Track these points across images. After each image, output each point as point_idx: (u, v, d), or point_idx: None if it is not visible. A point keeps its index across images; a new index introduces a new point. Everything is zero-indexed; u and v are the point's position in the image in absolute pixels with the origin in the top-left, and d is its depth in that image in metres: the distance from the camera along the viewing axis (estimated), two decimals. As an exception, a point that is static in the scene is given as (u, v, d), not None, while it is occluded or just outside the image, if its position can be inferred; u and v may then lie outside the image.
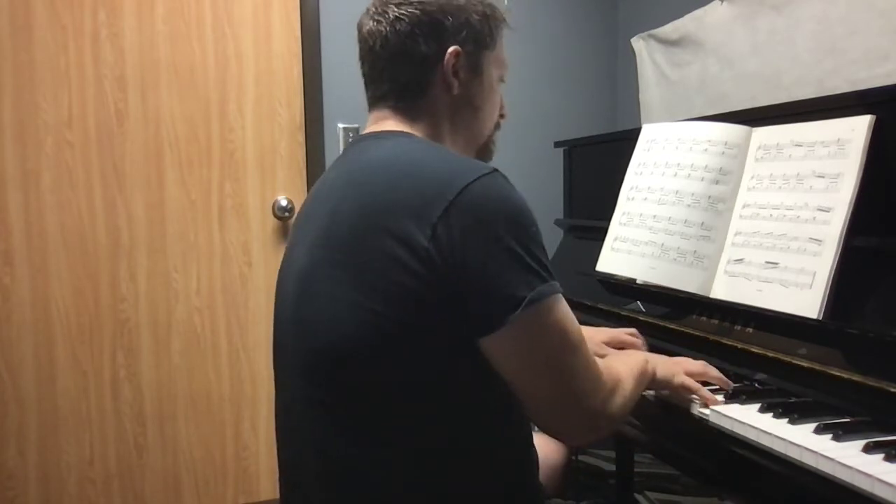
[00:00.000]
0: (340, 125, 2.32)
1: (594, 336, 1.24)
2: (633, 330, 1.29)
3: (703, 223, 1.28)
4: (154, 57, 2.12)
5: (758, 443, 0.90)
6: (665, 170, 1.40)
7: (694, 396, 1.03)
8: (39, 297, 2.05)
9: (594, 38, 2.69)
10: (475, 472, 0.86)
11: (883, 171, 1.04)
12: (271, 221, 2.26)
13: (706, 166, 1.30)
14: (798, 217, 1.10)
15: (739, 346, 1.14)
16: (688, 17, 2.19)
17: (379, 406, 0.83)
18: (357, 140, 0.97)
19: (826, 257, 1.03)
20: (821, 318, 1.01)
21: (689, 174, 1.33)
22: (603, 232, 1.52)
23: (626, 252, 1.44)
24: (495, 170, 0.84)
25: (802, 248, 1.07)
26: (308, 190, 2.27)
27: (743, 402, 1.00)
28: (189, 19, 2.15)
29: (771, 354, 1.08)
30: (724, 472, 1.02)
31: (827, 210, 1.06)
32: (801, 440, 0.85)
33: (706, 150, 1.32)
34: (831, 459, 0.79)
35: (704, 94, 2.14)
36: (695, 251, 1.28)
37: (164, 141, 2.15)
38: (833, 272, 1.02)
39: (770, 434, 0.88)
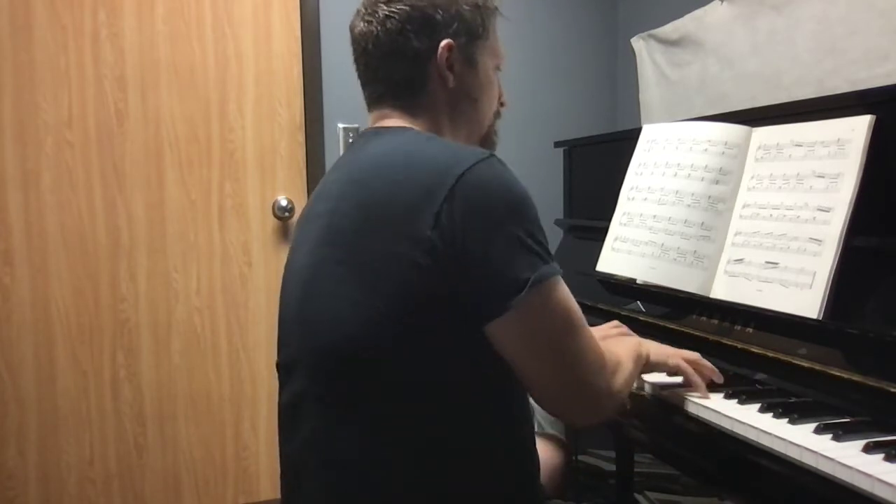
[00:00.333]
0: (340, 125, 2.32)
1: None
2: (615, 322, 1.28)
3: (703, 223, 1.28)
4: (154, 57, 2.12)
5: (758, 443, 0.90)
6: (665, 170, 1.40)
7: (692, 398, 1.03)
8: (39, 297, 2.05)
9: (594, 38, 2.69)
10: (476, 473, 0.86)
11: (883, 171, 1.04)
12: (271, 221, 2.26)
13: (706, 166, 1.30)
14: (798, 217, 1.10)
15: (739, 346, 1.14)
16: (688, 17, 2.19)
17: (380, 405, 0.83)
18: (357, 138, 0.98)
19: (826, 257, 1.03)
20: (821, 318, 1.01)
21: (689, 174, 1.33)
22: (603, 232, 1.52)
23: (626, 252, 1.44)
24: (492, 154, 0.84)
25: (802, 248, 1.07)
26: (308, 190, 2.28)
27: (743, 402, 1.00)
28: (189, 19, 2.15)
29: (771, 354, 1.08)
30: (724, 472, 1.01)
31: (827, 210, 1.06)
32: (801, 440, 0.85)
33: (706, 150, 1.32)
34: (831, 459, 0.79)
35: (704, 94, 2.14)
36: (695, 251, 1.28)
37: (164, 141, 2.15)
38: (833, 272, 1.02)
39: (770, 434, 0.88)
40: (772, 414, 0.94)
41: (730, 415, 0.95)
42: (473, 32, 0.98)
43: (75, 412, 2.10)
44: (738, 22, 1.99)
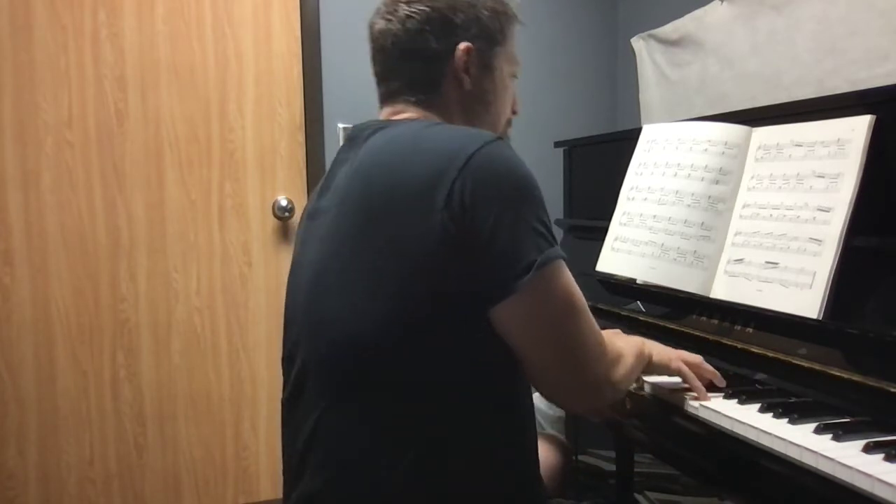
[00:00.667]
0: (340, 125, 2.32)
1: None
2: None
3: (703, 223, 1.28)
4: (154, 57, 2.12)
5: (758, 443, 0.90)
6: (665, 170, 1.40)
7: (687, 394, 1.03)
8: (39, 297, 2.05)
9: (594, 38, 2.69)
10: (476, 472, 0.86)
11: (883, 171, 1.04)
12: (271, 221, 2.26)
13: (706, 166, 1.30)
14: (798, 217, 1.10)
15: (739, 346, 1.14)
16: (688, 17, 2.19)
17: (381, 404, 0.84)
18: (360, 130, 0.96)
19: (826, 257, 1.03)
20: (821, 318, 1.01)
21: (689, 174, 1.33)
22: (603, 232, 1.52)
23: (626, 252, 1.44)
24: (499, 137, 0.85)
25: (802, 248, 1.07)
26: (308, 190, 2.28)
27: (743, 402, 1.00)
28: (189, 19, 2.15)
29: (771, 354, 1.08)
30: (724, 472, 1.02)
31: (827, 210, 1.06)
32: (801, 440, 0.85)
33: (706, 150, 1.32)
34: (831, 459, 0.79)
35: (704, 94, 2.14)
36: (695, 251, 1.28)
37: (164, 141, 2.15)
38: (833, 272, 1.02)
39: (770, 434, 0.88)
40: (772, 414, 0.94)
41: (730, 415, 0.95)
42: (492, 37, 0.98)
43: (75, 412, 2.10)
44: (738, 22, 1.99)
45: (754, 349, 1.11)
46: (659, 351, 1.06)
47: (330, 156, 2.30)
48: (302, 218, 1.04)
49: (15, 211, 2.02)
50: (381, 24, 0.97)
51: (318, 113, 2.29)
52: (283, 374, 0.99)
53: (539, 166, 2.46)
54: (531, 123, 2.52)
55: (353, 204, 0.86)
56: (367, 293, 0.82)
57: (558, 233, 1.97)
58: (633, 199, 1.47)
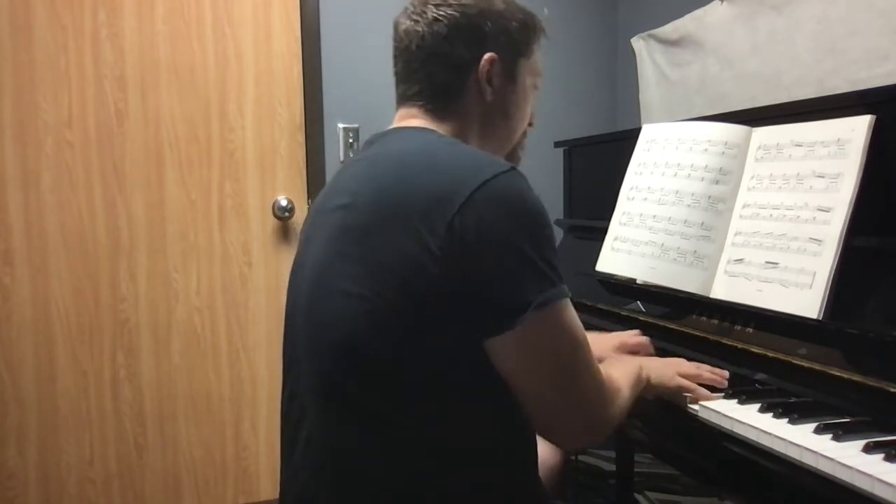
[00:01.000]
0: (340, 125, 2.32)
1: (606, 341, 1.23)
2: (636, 332, 1.28)
3: (703, 223, 1.28)
4: (154, 57, 2.12)
5: (758, 443, 0.90)
6: (665, 170, 1.40)
7: (690, 395, 1.03)
8: (39, 297, 2.05)
9: (594, 38, 2.69)
10: (476, 472, 0.86)
11: (883, 171, 1.04)
12: (271, 221, 2.26)
13: (706, 166, 1.30)
14: (798, 217, 1.10)
15: (739, 346, 1.13)
16: (688, 17, 2.19)
17: (381, 404, 0.83)
18: (381, 135, 0.96)
19: (826, 257, 1.03)
20: (821, 318, 1.01)
21: (689, 174, 1.33)
22: (603, 232, 1.52)
23: (626, 252, 1.44)
24: (513, 167, 0.82)
25: (802, 248, 1.07)
26: (308, 190, 2.28)
27: (743, 402, 1.00)
28: (189, 19, 2.15)
29: (771, 354, 1.08)
30: (724, 472, 1.01)
31: (827, 210, 1.06)
32: (801, 440, 0.85)
33: (706, 150, 1.32)
34: (831, 459, 0.79)
35: (704, 94, 2.14)
36: (695, 251, 1.28)
37: (164, 141, 2.15)
38: (833, 272, 1.02)
39: (770, 434, 0.88)
40: (772, 414, 0.94)
41: (730, 415, 0.95)
42: (518, 49, 0.97)
43: (75, 412, 2.10)
44: (738, 22, 1.99)
45: (754, 349, 1.11)
46: (657, 371, 1.05)
47: (330, 156, 2.31)
48: (308, 215, 1.04)
49: (15, 211, 2.02)
50: (407, 24, 0.95)
51: (318, 113, 2.29)
52: (283, 374, 0.99)
53: (539, 166, 2.47)
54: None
55: (362, 207, 0.85)
56: (368, 296, 0.81)
57: (558, 233, 1.97)
58: (632, 198, 1.47)
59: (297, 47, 2.27)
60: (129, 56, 2.10)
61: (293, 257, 1.02)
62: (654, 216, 1.38)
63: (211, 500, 2.25)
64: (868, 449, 0.80)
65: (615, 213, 1.51)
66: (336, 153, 2.31)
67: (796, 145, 1.15)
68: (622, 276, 1.46)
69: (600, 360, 0.96)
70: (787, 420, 0.91)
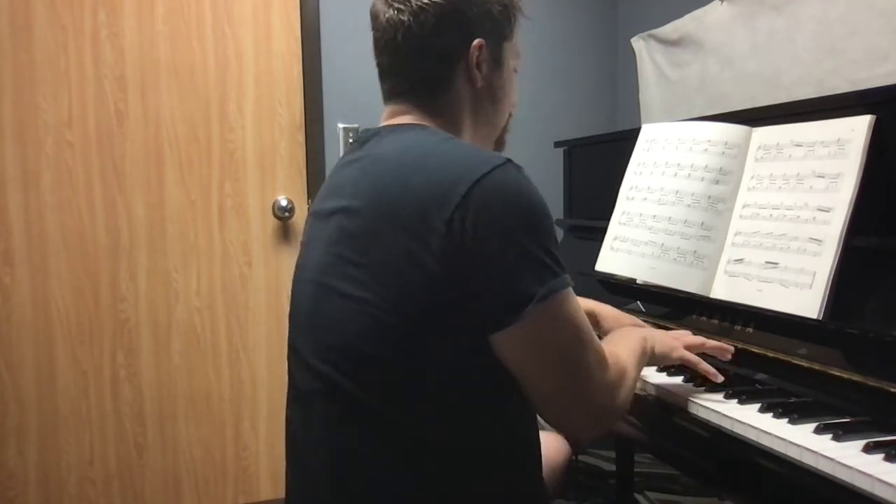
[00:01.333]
0: (340, 125, 2.32)
1: (602, 311, 1.24)
2: (619, 331, 1.27)
3: (703, 223, 1.28)
4: (154, 57, 2.12)
5: (758, 443, 0.90)
6: (665, 170, 1.40)
7: (693, 398, 1.03)
8: (39, 297, 2.05)
9: (594, 38, 2.69)
10: (478, 473, 0.86)
11: (883, 171, 1.04)
12: (271, 221, 2.26)
13: (706, 166, 1.30)
14: (798, 217, 1.10)
15: (739, 346, 1.13)
16: (688, 17, 2.19)
17: (383, 404, 0.83)
18: (372, 133, 0.95)
19: (826, 257, 1.03)
20: (821, 318, 1.01)
21: (689, 174, 1.33)
22: (603, 232, 1.52)
23: (625, 252, 1.44)
24: (508, 160, 0.82)
25: (802, 248, 1.07)
26: (308, 190, 2.28)
27: (743, 402, 1.00)
28: (189, 19, 2.15)
29: (771, 354, 1.08)
30: (724, 472, 1.02)
31: (827, 210, 1.06)
32: (801, 440, 0.85)
33: (706, 150, 1.32)
34: (831, 459, 0.79)
35: (704, 94, 2.14)
36: (695, 251, 1.28)
37: (164, 141, 2.15)
38: (833, 272, 1.02)
39: (770, 434, 0.88)
40: (772, 414, 0.94)
41: (730, 415, 0.95)
42: (502, 32, 0.97)
43: (75, 412, 2.10)
44: (738, 22, 1.99)
45: (754, 349, 1.11)
46: (661, 342, 1.05)
47: (330, 156, 2.30)
48: (307, 219, 1.04)
49: (15, 211, 2.02)
50: (389, 14, 0.93)
51: (318, 113, 2.29)
52: (288, 376, 0.99)
53: (539, 166, 2.47)
54: (531, 123, 2.52)
55: (360, 210, 0.85)
56: (370, 299, 0.81)
57: (558, 233, 1.98)
58: (632, 198, 1.47)
59: (297, 47, 2.27)
60: (129, 56, 2.10)
61: (293, 257, 1.02)
62: (654, 216, 1.38)
63: (211, 500, 2.25)
64: (868, 449, 0.80)
65: (615, 213, 1.51)
66: (336, 153, 2.31)
67: (796, 145, 1.16)
68: (622, 276, 1.46)
69: (606, 332, 0.95)
70: (787, 420, 0.91)
